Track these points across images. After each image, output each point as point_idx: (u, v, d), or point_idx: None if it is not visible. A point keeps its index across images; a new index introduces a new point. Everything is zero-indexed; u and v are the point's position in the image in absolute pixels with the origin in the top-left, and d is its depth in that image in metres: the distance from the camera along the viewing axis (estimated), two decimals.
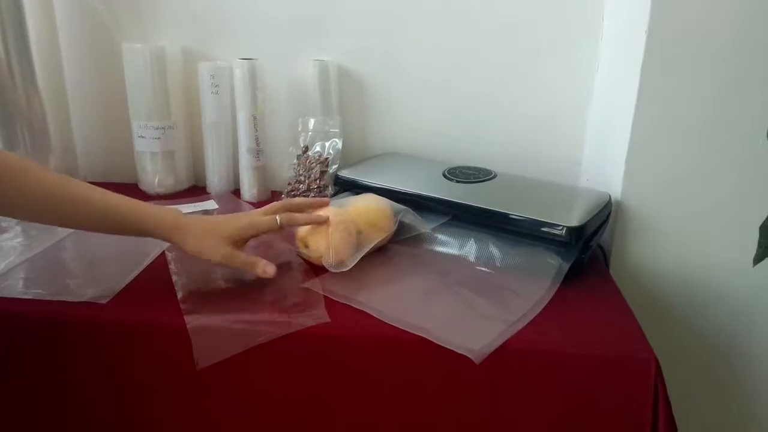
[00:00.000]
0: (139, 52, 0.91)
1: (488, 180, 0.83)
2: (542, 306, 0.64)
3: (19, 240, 0.77)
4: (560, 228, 0.70)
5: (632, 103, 0.77)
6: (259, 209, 0.71)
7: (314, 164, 0.95)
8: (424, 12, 0.94)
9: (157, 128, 0.94)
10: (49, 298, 0.63)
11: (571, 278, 0.69)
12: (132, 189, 1.01)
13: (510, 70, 0.96)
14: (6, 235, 0.78)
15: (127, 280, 0.68)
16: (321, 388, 0.61)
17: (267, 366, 0.60)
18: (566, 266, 0.70)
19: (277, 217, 0.67)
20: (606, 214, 0.78)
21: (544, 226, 0.72)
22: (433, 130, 1.00)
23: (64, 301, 0.63)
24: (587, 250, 0.73)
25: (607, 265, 0.82)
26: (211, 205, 0.94)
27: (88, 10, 0.98)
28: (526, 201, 0.78)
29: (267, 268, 0.66)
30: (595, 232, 0.75)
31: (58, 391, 0.64)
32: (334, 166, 0.95)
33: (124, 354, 0.62)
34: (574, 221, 0.71)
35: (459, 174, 0.84)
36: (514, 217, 0.73)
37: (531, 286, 0.68)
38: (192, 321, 0.60)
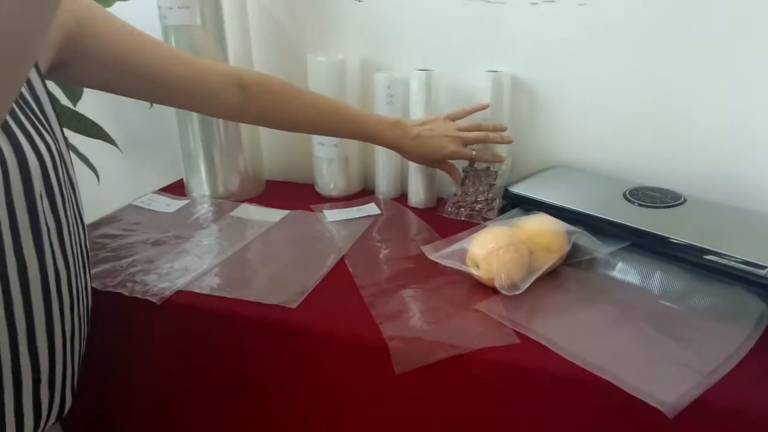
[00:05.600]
0: (322, 64, 0.97)
1: (677, 205, 0.77)
2: (741, 356, 0.58)
3: (216, 237, 0.86)
4: (765, 269, 0.63)
5: None
6: (459, 126, 0.89)
7: (482, 176, 0.94)
8: (605, 22, 0.89)
9: None
10: (243, 298, 0.69)
11: None
12: (308, 188, 1.08)
13: (703, 80, 0.87)
14: (203, 233, 0.88)
15: (312, 285, 0.72)
16: (492, 413, 0.61)
17: (444, 381, 0.61)
18: None
19: (473, 152, 0.89)
20: None
21: (745, 265, 0.65)
22: (609, 145, 0.95)
23: (256, 303, 0.68)
24: None
25: None
26: (373, 209, 0.97)
27: (279, 26, 1.05)
28: (724, 234, 0.71)
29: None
30: None
31: (241, 389, 0.71)
32: (502, 179, 0.94)
33: (311, 358, 0.66)
34: None
35: (643, 196, 0.79)
36: (711, 252, 0.67)
37: (727, 330, 0.62)
38: (387, 330, 0.63)
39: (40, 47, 0.41)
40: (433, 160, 0.91)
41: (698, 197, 0.79)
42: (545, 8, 0.91)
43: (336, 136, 0.88)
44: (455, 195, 0.96)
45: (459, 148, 0.88)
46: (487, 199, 0.93)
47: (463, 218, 0.93)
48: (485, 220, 0.91)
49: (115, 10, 0.97)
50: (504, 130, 0.91)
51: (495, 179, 0.94)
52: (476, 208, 0.93)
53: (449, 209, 0.95)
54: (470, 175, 0.95)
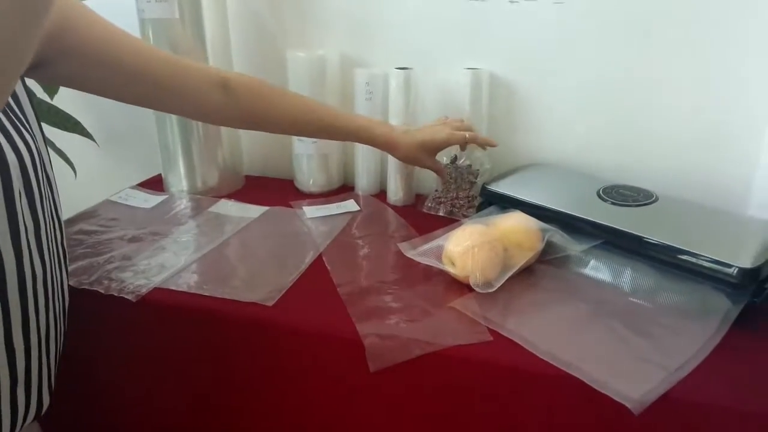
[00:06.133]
0: (301, 60, 0.97)
1: (649, 204, 0.78)
2: (707, 352, 0.60)
3: (194, 234, 0.86)
4: (732, 268, 0.65)
5: None
6: (449, 123, 0.89)
7: (464, 174, 0.95)
8: (582, 21, 0.90)
9: None
10: (219, 296, 0.69)
11: (740, 322, 0.64)
12: (287, 184, 1.08)
13: (678, 80, 0.89)
14: (181, 229, 0.87)
15: (290, 283, 0.73)
16: (465, 410, 0.62)
17: (418, 378, 0.62)
18: (736, 310, 0.65)
19: (466, 134, 0.87)
20: None
21: (712, 264, 0.66)
22: (586, 142, 0.96)
23: (233, 300, 0.68)
24: (762, 293, 0.66)
25: None
26: (352, 206, 0.98)
27: (258, 20, 1.05)
28: (693, 233, 0.72)
29: None
30: None
31: (218, 386, 0.71)
32: (483, 178, 0.95)
33: (287, 356, 0.67)
34: (748, 262, 0.65)
35: (616, 195, 0.80)
36: (680, 251, 0.69)
37: (694, 327, 0.64)
38: (363, 328, 0.63)
39: (34, 46, 0.41)
40: (425, 152, 0.87)
41: (669, 195, 0.80)
42: (524, 6, 0.92)
43: (322, 136, 0.86)
44: (436, 191, 0.97)
45: (452, 131, 0.87)
46: (468, 197, 0.94)
47: (442, 214, 0.94)
48: (465, 217, 0.92)
49: (90, 3, 0.96)
50: (495, 146, 0.91)
51: (476, 177, 0.94)
52: (456, 205, 0.94)
53: (429, 204, 0.96)
54: (452, 172, 0.96)
